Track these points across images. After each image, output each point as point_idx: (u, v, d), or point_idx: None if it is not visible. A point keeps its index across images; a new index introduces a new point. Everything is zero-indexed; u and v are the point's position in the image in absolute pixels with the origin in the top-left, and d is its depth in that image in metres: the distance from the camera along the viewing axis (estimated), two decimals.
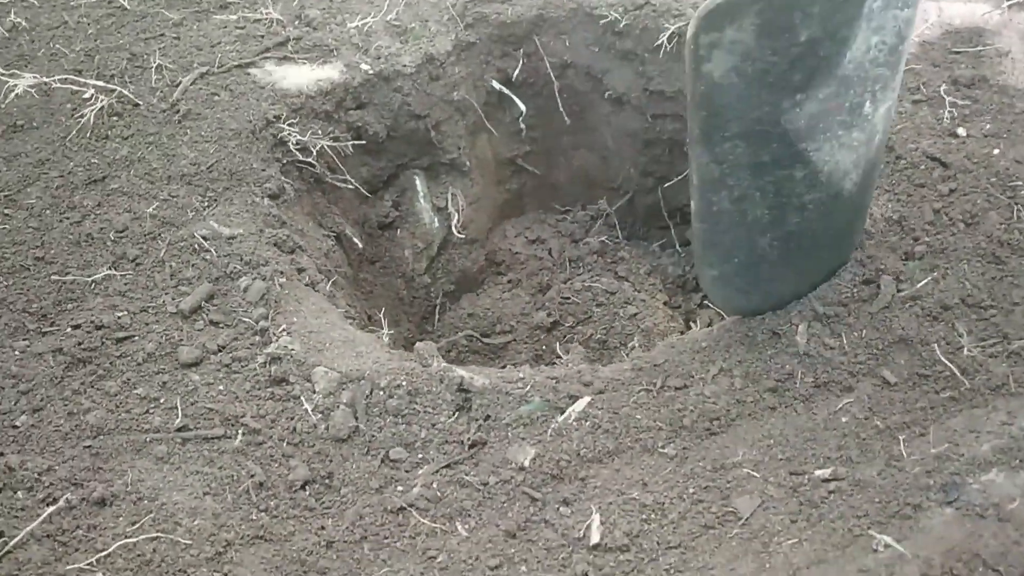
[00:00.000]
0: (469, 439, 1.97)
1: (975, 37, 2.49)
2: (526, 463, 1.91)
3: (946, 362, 1.93)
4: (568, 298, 3.05)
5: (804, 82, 1.72)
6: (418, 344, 2.18)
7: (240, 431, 1.98)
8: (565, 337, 3.00)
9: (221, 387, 2.06)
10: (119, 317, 2.15)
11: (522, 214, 3.41)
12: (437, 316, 3.14)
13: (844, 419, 1.92)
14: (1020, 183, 2.16)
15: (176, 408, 2.02)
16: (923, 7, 2.58)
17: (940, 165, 2.24)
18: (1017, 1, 2.53)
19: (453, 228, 3.06)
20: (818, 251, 2.02)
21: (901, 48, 1.78)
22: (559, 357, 2.88)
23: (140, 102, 2.59)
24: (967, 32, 2.52)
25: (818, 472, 1.82)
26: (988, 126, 2.29)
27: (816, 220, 1.94)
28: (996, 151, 2.24)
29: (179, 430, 1.99)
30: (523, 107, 3.03)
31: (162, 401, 2.04)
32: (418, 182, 3.03)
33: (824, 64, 1.70)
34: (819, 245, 2.01)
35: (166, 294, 2.20)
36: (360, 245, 2.84)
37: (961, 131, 2.29)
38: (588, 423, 1.97)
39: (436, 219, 3.09)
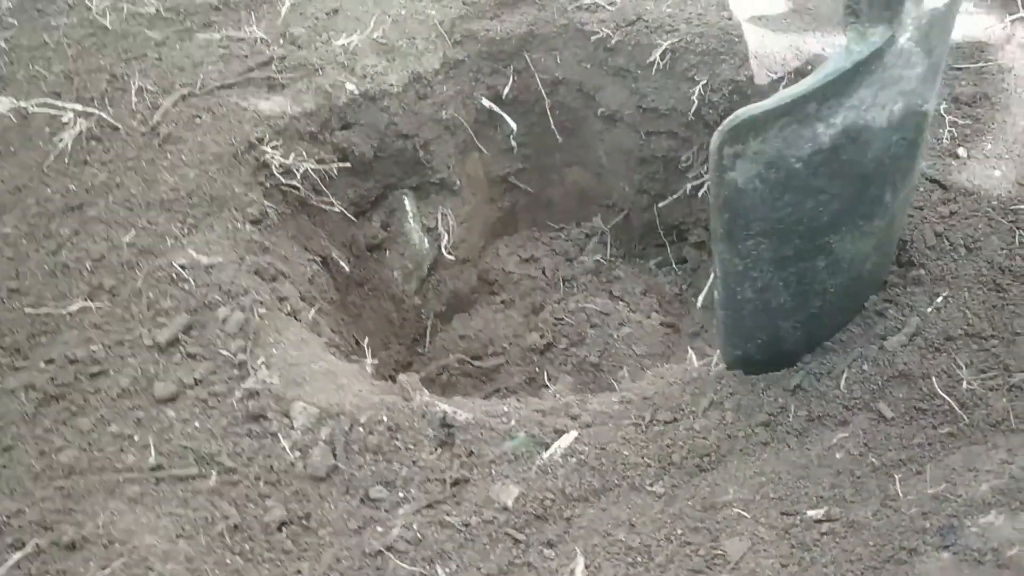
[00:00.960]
0: (452, 477, 1.91)
1: (977, 52, 2.42)
2: (509, 503, 1.85)
3: (944, 396, 1.86)
4: (561, 319, 2.99)
5: (826, 184, 1.72)
6: (401, 376, 2.12)
7: (215, 470, 1.92)
8: (558, 360, 2.94)
9: (197, 423, 2.00)
10: (94, 351, 2.09)
11: (515, 232, 3.35)
12: (428, 338, 3.08)
13: (838, 455, 1.85)
14: (1022, 206, 2.09)
15: (150, 446, 1.96)
16: None
17: (940, 187, 2.17)
18: (1020, 16, 2.45)
19: (443, 249, 3.00)
20: (837, 321, 2.05)
21: (920, 139, 1.81)
22: (552, 379, 2.83)
23: (120, 125, 2.53)
24: (968, 47, 2.45)
25: (811, 512, 1.76)
26: (989, 146, 2.22)
27: (837, 300, 1.97)
28: (998, 172, 2.17)
29: (153, 469, 1.93)
30: (514, 125, 2.97)
31: (136, 439, 1.98)
32: (407, 202, 2.98)
33: (846, 166, 1.71)
34: (839, 318, 2.05)
35: (143, 326, 2.14)
36: (347, 268, 2.78)
37: (962, 151, 2.22)
38: (574, 459, 1.91)
39: (426, 239, 3.03)
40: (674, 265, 3.21)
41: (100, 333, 2.13)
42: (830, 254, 1.85)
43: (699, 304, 2.96)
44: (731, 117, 1.60)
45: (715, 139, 1.61)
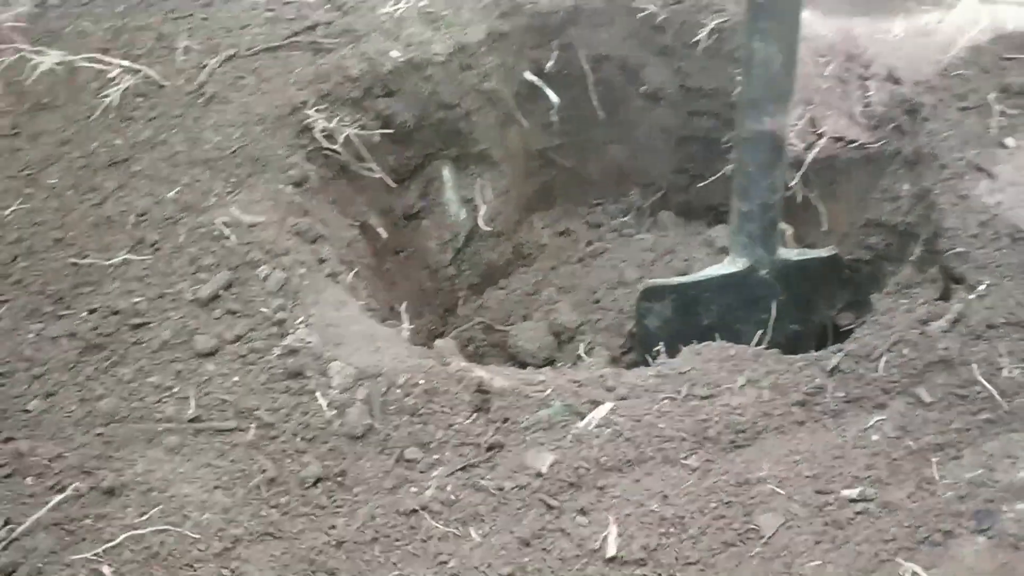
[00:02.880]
0: (486, 442, 1.92)
1: None
2: (543, 469, 1.86)
3: (984, 383, 1.85)
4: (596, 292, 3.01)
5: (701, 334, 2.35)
6: (438, 341, 2.14)
7: (253, 424, 1.94)
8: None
9: (236, 378, 2.02)
10: (136, 303, 2.12)
11: (551, 208, 3.34)
12: (460, 307, 3.09)
13: (875, 437, 1.85)
14: None
15: (189, 398, 1.98)
16: (974, 9, 2.50)
17: (987, 176, 2.16)
18: None
19: (480, 220, 3.00)
20: None
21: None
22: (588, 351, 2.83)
23: (166, 83, 2.55)
24: (1020, 38, 2.42)
25: (845, 492, 1.75)
26: None
27: None
28: None
29: (192, 420, 1.96)
30: (556, 99, 2.97)
31: (176, 390, 2.00)
32: (446, 172, 2.98)
33: (724, 336, 2.25)
34: None
35: (184, 281, 2.16)
36: (384, 235, 2.78)
37: (1010, 141, 2.21)
38: (609, 430, 1.91)
39: (463, 211, 3.04)
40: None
41: (142, 286, 2.16)
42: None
43: None
44: (648, 281, 2.69)
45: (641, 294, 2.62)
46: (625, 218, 3.27)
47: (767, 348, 2.17)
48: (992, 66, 2.37)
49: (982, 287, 1.99)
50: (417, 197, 2.94)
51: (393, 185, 2.76)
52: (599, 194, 3.31)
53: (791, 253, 2.54)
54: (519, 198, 3.20)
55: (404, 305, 2.44)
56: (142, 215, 2.28)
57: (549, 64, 2.92)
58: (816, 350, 2.13)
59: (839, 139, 2.57)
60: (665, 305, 2.59)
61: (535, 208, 3.31)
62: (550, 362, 2.83)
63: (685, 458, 1.87)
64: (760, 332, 2.41)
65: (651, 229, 3.22)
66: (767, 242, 2.45)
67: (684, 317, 2.58)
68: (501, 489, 1.85)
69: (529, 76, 2.93)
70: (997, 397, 1.83)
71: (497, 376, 2.02)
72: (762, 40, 2.13)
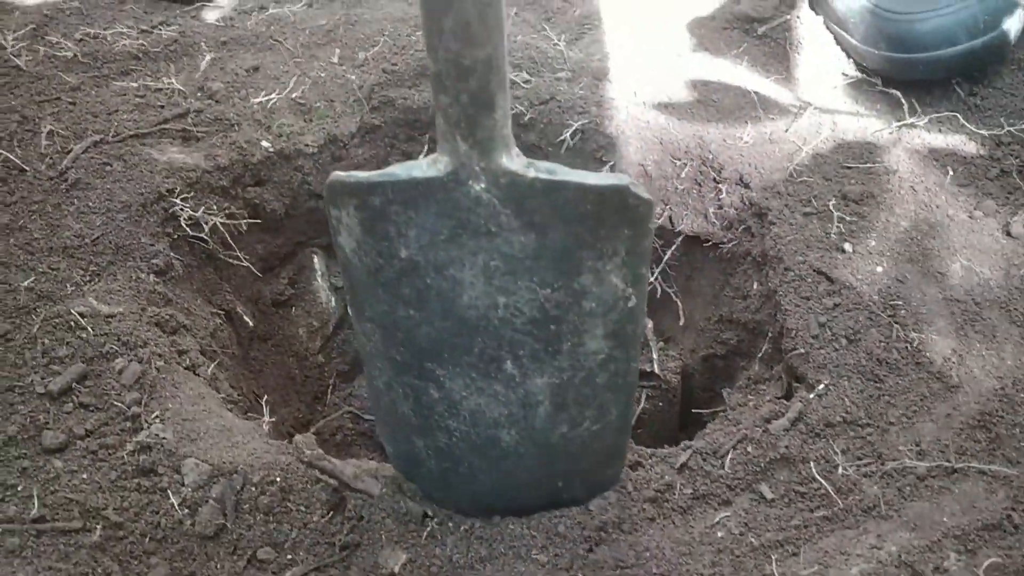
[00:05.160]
0: (341, 540, 1.92)
1: (866, 153, 2.56)
2: (396, 568, 1.86)
3: (821, 480, 1.95)
4: None
5: (414, 301, 1.56)
6: (297, 437, 2.12)
7: (100, 524, 1.89)
8: None
9: (84, 475, 1.97)
10: None
11: None
12: (328, 396, 3.07)
13: (720, 534, 1.91)
14: (900, 302, 2.21)
15: (33, 497, 1.92)
16: (818, 119, 2.66)
17: (826, 279, 2.29)
18: (907, 122, 2.61)
19: (349, 308, 3.01)
20: (480, 482, 1.93)
21: (555, 328, 1.59)
22: None
23: (27, 168, 2.51)
24: (859, 147, 2.59)
25: None
26: (873, 243, 2.35)
27: (468, 452, 1.83)
28: (880, 268, 2.29)
29: (35, 521, 1.89)
30: None
31: (20, 489, 1.94)
32: (316, 260, 2.99)
33: (435, 293, 1.54)
34: (480, 478, 1.91)
35: (35, 373, 2.11)
36: (251, 323, 2.77)
37: (847, 246, 2.34)
38: (463, 528, 1.93)
39: (333, 298, 3.05)
40: None
41: None
42: (442, 389, 1.70)
43: None
44: (330, 176, 1.48)
45: (324, 192, 1.51)
46: None
47: (510, 317, 1.57)
48: (833, 174, 2.52)
49: (821, 386, 2.10)
50: (286, 284, 2.93)
51: (260, 274, 2.76)
52: None
53: (528, 166, 1.37)
54: None
55: (265, 399, 2.42)
56: None
57: (420, 157, 2.97)
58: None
59: (695, 237, 2.68)
60: (352, 217, 1.53)
61: None
62: None
63: (536, 555, 1.90)
64: (488, 293, 1.56)
65: None
66: (483, 139, 1.32)
67: (376, 240, 1.52)
68: None
69: None
70: (833, 495, 1.93)
71: (355, 471, 2.02)
72: None
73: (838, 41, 2.88)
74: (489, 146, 1.32)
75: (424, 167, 1.40)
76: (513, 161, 1.36)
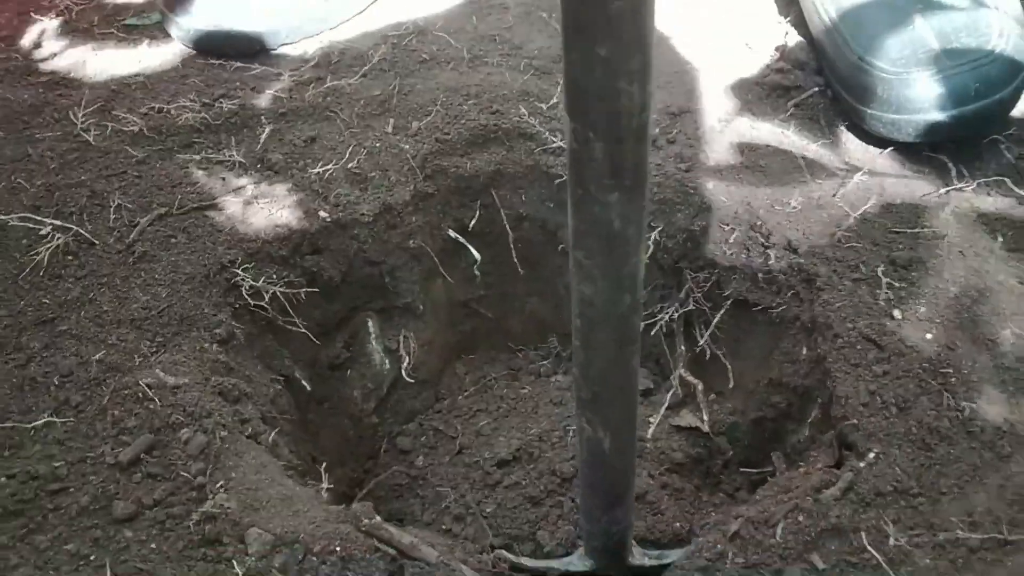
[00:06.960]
0: None
1: (914, 218, 2.59)
2: None
3: (872, 551, 1.96)
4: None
5: None
6: (355, 505, 2.18)
7: None
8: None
9: (153, 545, 2.04)
10: (56, 467, 2.14)
11: (474, 353, 3.44)
12: (381, 456, 3.13)
13: None
14: (950, 370, 2.22)
15: (106, 566, 1.99)
16: (866, 184, 2.69)
17: (875, 347, 2.30)
18: (955, 187, 2.63)
19: (403, 370, 3.08)
20: None
21: None
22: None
23: (96, 241, 2.62)
24: (907, 212, 2.61)
25: None
26: (923, 310, 2.36)
27: None
28: (929, 335, 2.31)
29: None
30: (478, 255, 3.09)
31: (92, 559, 2.01)
32: (370, 324, 3.07)
33: None
34: None
35: (106, 444, 2.19)
36: (309, 387, 2.85)
37: (897, 313, 2.36)
38: None
39: (387, 360, 3.12)
40: None
41: (63, 449, 2.18)
42: None
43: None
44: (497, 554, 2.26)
45: None
46: (544, 362, 3.37)
47: None
48: (881, 239, 2.55)
49: (871, 455, 2.12)
50: (342, 348, 3.01)
51: (316, 340, 2.84)
52: (521, 342, 3.42)
53: (645, 558, 2.14)
54: (443, 347, 3.30)
55: (323, 465, 2.49)
56: (67, 376, 2.32)
57: (472, 223, 3.05)
58: None
59: (743, 301, 2.71)
60: None
61: (459, 353, 3.41)
62: None
63: None
64: None
65: (568, 372, 3.32)
66: (616, 553, 2.08)
67: None
68: None
69: (453, 234, 3.05)
70: (884, 566, 1.94)
71: (413, 539, 2.07)
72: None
73: (835, 99, 2.92)
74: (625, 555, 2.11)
75: (572, 562, 2.12)
76: (635, 556, 2.14)
